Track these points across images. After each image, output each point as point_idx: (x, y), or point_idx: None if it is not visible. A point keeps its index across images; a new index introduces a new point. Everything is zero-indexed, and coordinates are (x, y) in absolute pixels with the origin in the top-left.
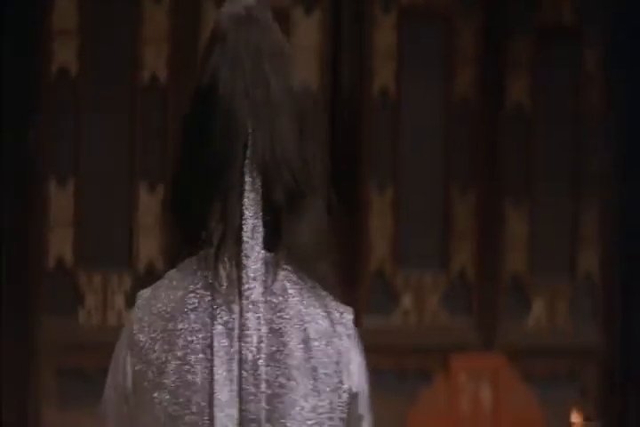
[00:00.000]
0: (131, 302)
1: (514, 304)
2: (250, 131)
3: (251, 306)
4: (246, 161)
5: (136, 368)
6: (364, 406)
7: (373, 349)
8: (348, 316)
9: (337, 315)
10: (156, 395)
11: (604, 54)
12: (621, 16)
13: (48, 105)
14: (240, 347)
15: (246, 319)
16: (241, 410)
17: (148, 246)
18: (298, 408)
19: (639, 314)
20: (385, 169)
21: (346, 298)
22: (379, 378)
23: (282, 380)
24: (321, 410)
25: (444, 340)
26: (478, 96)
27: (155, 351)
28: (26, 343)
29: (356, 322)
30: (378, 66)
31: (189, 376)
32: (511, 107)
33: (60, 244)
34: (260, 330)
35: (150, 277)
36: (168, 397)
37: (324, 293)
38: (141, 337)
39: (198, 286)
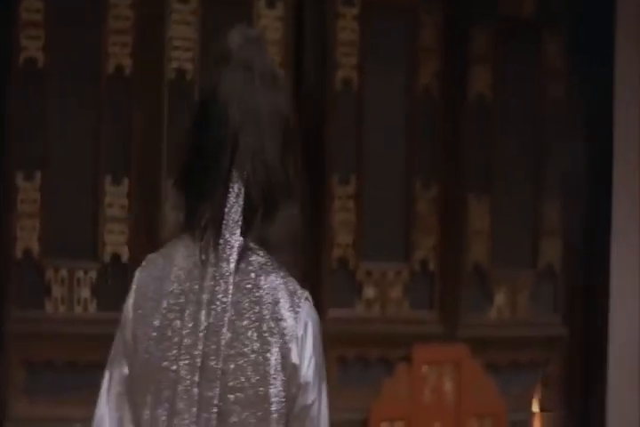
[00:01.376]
0: (96, 292)
1: (476, 296)
2: (238, 136)
3: (222, 280)
4: (233, 163)
5: (132, 316)
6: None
7: (337, 339)
8: (302, 296)
9: (292, 294)
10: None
11: (565, 47)
12: (582, 9)
13: (16, 97)
14: (209, 311)
15: (217, 287)
16: (203, 352)
17: (113, 238)
18: (246, 349)
19: (600, 305)
20: (348, 162)
21: (310, 289)
22: (342, 368)
23: (234, 338)
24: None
25: (406, 331)
26: (441, 89)
27: (145, 308)
28: None
29: (320, 312)
30: (341, 59)
31: (169, 329)
32: (473, 100)
33: (27, 236)
34: (226, 297)
35: (115, 267)
36: (153, 342)
37: (284, 274)
38: (139, 294)
39: (185, 261)
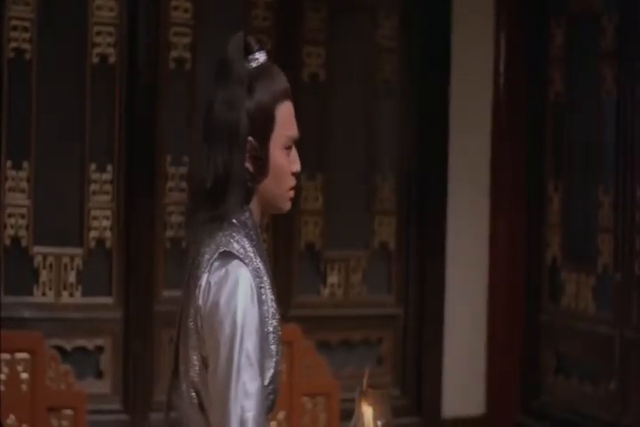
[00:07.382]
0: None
1: (309, 276)
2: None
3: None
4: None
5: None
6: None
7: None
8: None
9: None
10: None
11: (397, 27)
12: None
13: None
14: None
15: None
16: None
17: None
18: None
19: (433, 284)
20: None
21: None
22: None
23: None
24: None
25: None
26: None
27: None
28: None
29: None
30: (174, 38)
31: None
32: (307, 79)
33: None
34: None
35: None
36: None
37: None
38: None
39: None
